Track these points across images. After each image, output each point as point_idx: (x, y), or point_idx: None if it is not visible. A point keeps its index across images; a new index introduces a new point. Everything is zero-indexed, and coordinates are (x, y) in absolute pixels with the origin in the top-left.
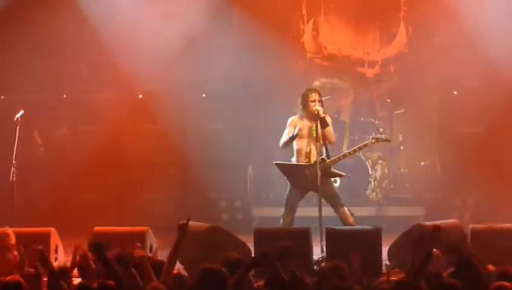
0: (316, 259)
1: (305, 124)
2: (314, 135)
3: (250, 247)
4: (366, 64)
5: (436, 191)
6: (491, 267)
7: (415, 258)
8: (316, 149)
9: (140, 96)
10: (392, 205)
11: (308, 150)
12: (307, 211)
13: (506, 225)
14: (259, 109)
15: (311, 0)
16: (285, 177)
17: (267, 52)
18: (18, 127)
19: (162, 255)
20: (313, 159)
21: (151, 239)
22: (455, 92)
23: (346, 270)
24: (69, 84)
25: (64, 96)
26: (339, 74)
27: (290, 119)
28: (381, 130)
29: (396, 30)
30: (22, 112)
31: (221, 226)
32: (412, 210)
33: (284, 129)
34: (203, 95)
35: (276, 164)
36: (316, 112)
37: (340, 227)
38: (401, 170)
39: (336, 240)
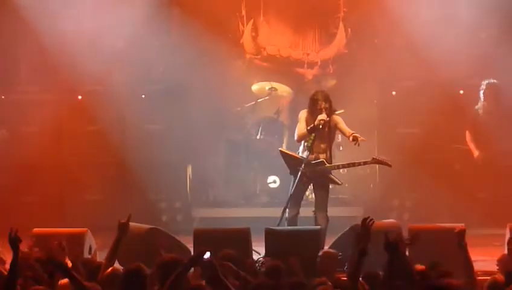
0: (256, 259)
1: (313, 120)
2: (309, 145)
3: (190, 248)
4: (305, 65)
5: (375, 192)
6: (419, 266)
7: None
8: (323, 149)
9: (80, 97)
10: (331, 206)
11: (315, 150)
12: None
13: (444, 225)
14: (198, 109)
15: (250, 1)
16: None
17: (206, 53)
18: None
19: (101, 256)
20: (314, 156)
21: (91, 240)
22: (394, 93)
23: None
24: (7, 85)
25: (3, 97)
26: (278, 75)
27: (301, 113)
28: None
29: (335, 31)
30: None
31: (160, 228)
32: (351, 210)
33: None
34: (143, 96)
35: (280, 150)
36: (319, 125)
37: (279, 227)
38: (340, 170)
39: (275, 240)
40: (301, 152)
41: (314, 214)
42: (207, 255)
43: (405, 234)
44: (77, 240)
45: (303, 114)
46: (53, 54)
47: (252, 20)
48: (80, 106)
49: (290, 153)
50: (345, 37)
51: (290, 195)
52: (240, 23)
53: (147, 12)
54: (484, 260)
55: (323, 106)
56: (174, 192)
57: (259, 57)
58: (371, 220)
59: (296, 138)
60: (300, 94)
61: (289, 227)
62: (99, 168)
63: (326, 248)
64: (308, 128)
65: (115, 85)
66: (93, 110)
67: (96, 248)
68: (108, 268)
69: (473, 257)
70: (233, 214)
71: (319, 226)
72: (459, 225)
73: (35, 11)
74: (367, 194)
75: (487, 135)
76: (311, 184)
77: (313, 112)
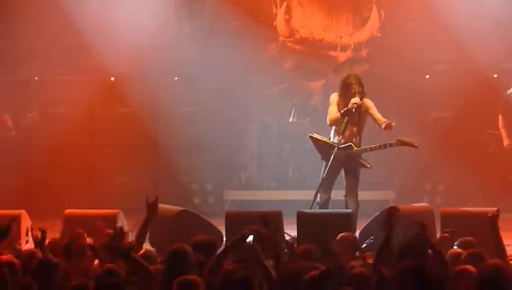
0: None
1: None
2: (342, 129)
3: (222, 231)
4: (338, 48)
5: (407, 176)
6: (457, 250)
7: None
8: (354, 134)
9: (112, 79)
10: (363, 189)
11: (345, 134)
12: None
13: (476, 209)
14: (231, 92)
15: None
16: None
17: (239, 35)
18: None
19: (133, 237)
20: (345, 140)
21: (123, 221)
22: (427, 76)
23: (317, 253)
24: (40, 66)
25: (36, 78)
26: (311, 57)
27: (332, 96)
28: None
29: (368, 14)
30: None
31: (191, 210)
32: (383, 194)
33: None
34: (175, 78)
35: (310, 136)
36: (352, 109)
37: (311, 211)
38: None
39: (307, 223)
40: (332, 137)
41: (345, 198)
42: (250, 238)
43: (437, 218)
44: (110, 221)
45: (334, 97)
46: (85, 36)
47: (286, 2)
48: (112, 87)
49: (320, 138)
50: (378, 20)
51: (322, 179)
52: (273, 6)
53: None
54: None
55: (356, 89)
56: (206, 174)
57: (292, 39)
58: (397, 209)
59: (328, 122)
60: (333, 77)
61: (321, 210)
62: (131, 150)
63: (358, 231)
64: (342, 112)
65: (147, 67)
66: (125, 92)
67: (128, 229)
68: (138, 248)
69: (505, 241)
70: (265, 197)
71: (350, 210)
72: (492, 209)
73: None
74: (399, 178)
75: None
76: (342, 169)
77: (345, 96)
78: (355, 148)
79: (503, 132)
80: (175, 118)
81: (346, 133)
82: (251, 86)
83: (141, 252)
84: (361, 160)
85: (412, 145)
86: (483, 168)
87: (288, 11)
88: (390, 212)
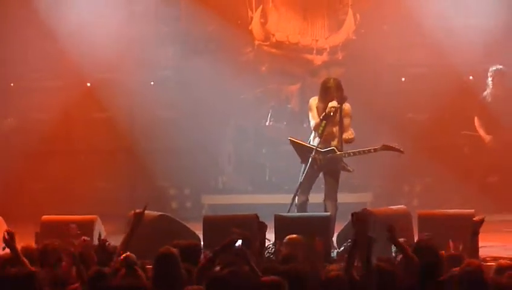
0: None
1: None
2: (320, 132)
3: (200, 235)
4: (314, 52)
5: (384, 178)
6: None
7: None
8: (335, 135)
9: (89, 84)
10: (341, 192)
11: (327, 137)
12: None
13: (453, 211)
14: (207, 96)
15: None
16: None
17: (215, 39)
18: None
19: (111, 243)
20: (327, 143)
21: (100, 227)
22: (403, 79)
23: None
24: (16, 72)
25: (12, 84)
26: (287, 61)
27: (311, 101)
28: None
29: (344, 17)
30: None
31: (169, 215)
32: (360, 196)
33: None
34: (151, 83)
35: (290, 139)
36: (330, 113)
37: (289, 214)
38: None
39: (284, 226)
40: (312, 140)
41: (324, 202)
42: (238, 242)
43: (414, 220)
44: (87, 227)
45: (313, 101)
46: (61, 41)
47: (261, 6)
48: (88, 93)
49: (300, 141)
50: (354, 23)
51: (300, 182)
52: (249, 10)
53: None
54: (493, 246)
55: (334, 93)
56: (183, 179)
57: (268, 43)
58: (363, 213)
59: (312, 128)
60: (309, 80)
61: (299, 213)
62: (108, 155)
63: (335, 234)
64: (321, 117)
65: (123, 72)
66: (102, 97)
67: (105, 235)
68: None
69: (482, 243)
70: (242, 201)
71: (328, 213)
72: (470, 211)
73: None
74: (377, 180)
75: (495, 120)
76: (322, 173)
77: (324, 99)
78: (338, 153)
79: (481, 132)
80: (152, 123)
81: (325, 137)
82: (227, 90)
83: (123, 256)
84: (343, 164)
85: (398, 150)
86: (460, 169)
87: (263, 14)
88: (356, 217)
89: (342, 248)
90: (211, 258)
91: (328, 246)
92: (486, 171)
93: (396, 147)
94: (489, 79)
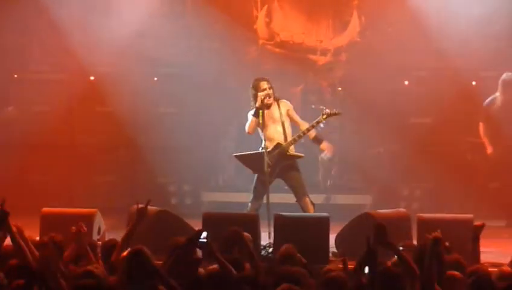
0: (264, 245)
1: (260, 113)
2: (261, 122)
3: None
4: (318, 52)
5: (384, 181)
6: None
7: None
8: (279, 132)
9: (92, 78)
10: (340, 193)
11: (271, 136)
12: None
13: (453, 215)
14: (210, 93)
15: None
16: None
17: (220, 37)
18: None
19: (110, 237)
20: (271, 141)
21: (100, 221)
22: (406, 82)
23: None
24: (20, 64)
25: (15, 76)
26: (291, 61)
27: (249, 114)
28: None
29: (349, 19)
30: None
31: (169, 211)
32: (359, 199)
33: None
34: (155, 79)
35: (235, 156)
36: (261, 100)
37: (288, 214)
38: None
39: (283, 226)
40: (261, 147)
41: (297, 201)
42: (203, 235)
43: (413, 224)
44: (87, 220)
45: (250, 113)
46: (66, 35)
47: (266, 5)
48: (92, 87)
49: (245, 153)
50: (359, 25)
51: (254, 188)
52: (254, 8)
53: None
54: (492, 252)
55: (266, 86)
56: (183, 175)
57: (272, 42)
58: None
59: (247, 127)
60: (312, 81)
61: (298, 214)
62: (110, 149)
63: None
64: (253, 113)
65: (127, 67)
66: (105, 92)
67: (105, 229)
68: (123, 250)
69: (481, 249)
70: (242, 199)
71: (327, 214)
72: (469, 216)
73: None
74: (376, 182)
75: (499, 128)
76: (279, 174)
77: (255, 96)
78: (284, 144)
79: (485, 140)
80: (154, 119)
81: (270, 136)
82: (232, 88)
83: (125, 253)
84: (290, 153)
85: (337, 114)
86: (460, 174)
87: (268, 14)
88: (378, 228)
89: (337, 251)
90: (179, 254)
91: (326, 247)
92: (488, 177)
93: (335, 111)
94: (500, 85)
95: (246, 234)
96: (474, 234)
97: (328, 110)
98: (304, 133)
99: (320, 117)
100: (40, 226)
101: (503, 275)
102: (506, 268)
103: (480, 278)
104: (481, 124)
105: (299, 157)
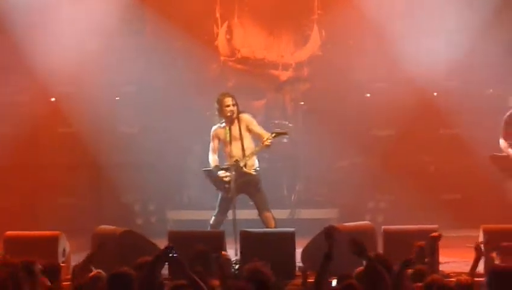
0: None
1: (227, 129)
2: (228, 139)
3: None
4: (280, 67)
5: (349, 194)
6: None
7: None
8: (239, 148)
9: (53, 99)
10: (306, 208)
11: (233, 153)
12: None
13: (417, 226)
14: (173, 111)
15: (225, 3)
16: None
17: (181, 54)
18: None
19: (75, 259)
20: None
21: (64, 243)
22: (368, 95)
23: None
24: None
25: None
26: (253, 77)
27: (212, 130)
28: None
29: (310, 33)
30: None
31: (134, 230)
32: (326, 212)
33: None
34: (117, 98)
35: (203, 170)
36: (229, 115)
37: (254, 229)
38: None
39: (249, 243)
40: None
41: (259, 216)
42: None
43: (379, 236)
44: (51, 243)
45: (213, 130)
46: (26, 55)
47: (227, 22)
48: (53, 107)
49: (208, 169)
50: (320, 39)
51: (219, 202)
52: (215, 25)
53: (121, 14)
54: (455, 261)
55: (230, 102)
56: (148, 194)
57: (233, 59)
58: (334, 228)
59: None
60: (274, 96)
61: (264, 229)
62: (73, 170)
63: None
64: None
65: (88, 87)
66: (66, 112)
67: (70, 251)
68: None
69: (445, 258)
70: (207, 217)
71: (293, 229)
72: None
73: (8, 11)
74: (342, 196)
75: None
76: (242, 189)
77: (220, 112)
78: (240, 160)
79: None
80: (117, 138)
81: (232, 153)
82: (193, 106)
83: (92, 273)
84: (247, 170)
85: (285, 133)
86: (424, 186)
87: (229, 30)
88: (327, 232)
89: (303, 265)
90: (148, 271)
91: (292, 261)
92: (450, 187)
93: (282, 130)
94: None
95: (224, 253)
96: (431, 244)
97: (277, 130)
98: (259, 151)
99: (269, 135)
100: (4, 250)
101: (460, 284)
102: (464, 277)
103: (438, 288)
104: (501, 139)
105: (251, 174)
